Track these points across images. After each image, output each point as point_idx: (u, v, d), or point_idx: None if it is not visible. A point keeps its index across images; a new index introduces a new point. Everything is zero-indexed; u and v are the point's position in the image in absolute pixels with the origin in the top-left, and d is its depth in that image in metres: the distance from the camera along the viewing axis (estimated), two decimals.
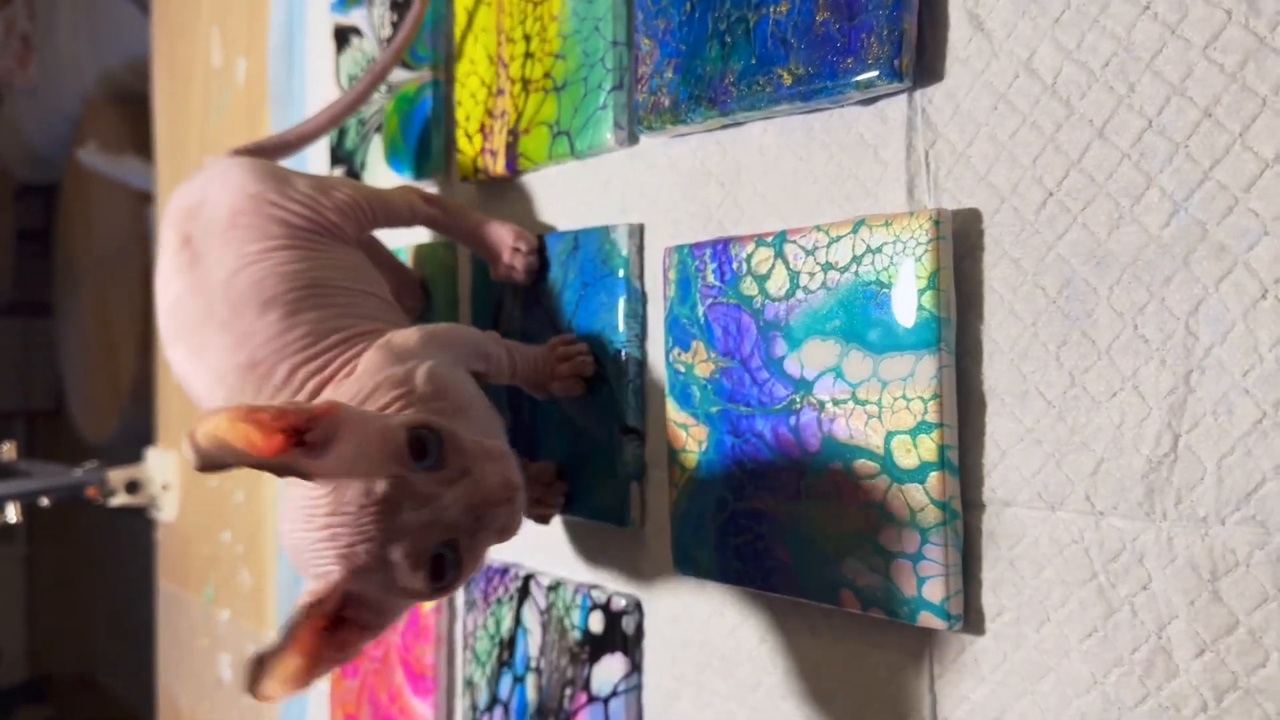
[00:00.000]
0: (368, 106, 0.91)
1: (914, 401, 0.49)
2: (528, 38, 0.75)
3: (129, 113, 2.40)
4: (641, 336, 0.67)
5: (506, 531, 0.50)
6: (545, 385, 0.69)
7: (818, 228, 0.54)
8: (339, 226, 0.67)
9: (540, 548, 0.77)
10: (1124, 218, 0.44)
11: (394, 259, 0.84)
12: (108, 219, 2.65)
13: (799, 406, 0.54)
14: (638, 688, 0.68)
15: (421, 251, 0.87)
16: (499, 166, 0.77)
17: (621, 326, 0.67)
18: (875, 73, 0.51)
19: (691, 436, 0.61)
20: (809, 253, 0.54)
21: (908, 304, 0.49)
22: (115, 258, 2.59)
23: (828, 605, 0.54)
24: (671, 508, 0.63)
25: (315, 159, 1.02)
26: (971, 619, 0.50)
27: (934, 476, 0.49)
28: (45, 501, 1.69)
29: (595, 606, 0.69)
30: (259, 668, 0.45)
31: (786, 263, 0.55)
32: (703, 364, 0.60)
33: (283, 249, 0.63)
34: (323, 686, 1.06)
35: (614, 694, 0.68)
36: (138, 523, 1.90)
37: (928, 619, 0.49)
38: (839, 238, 0.53)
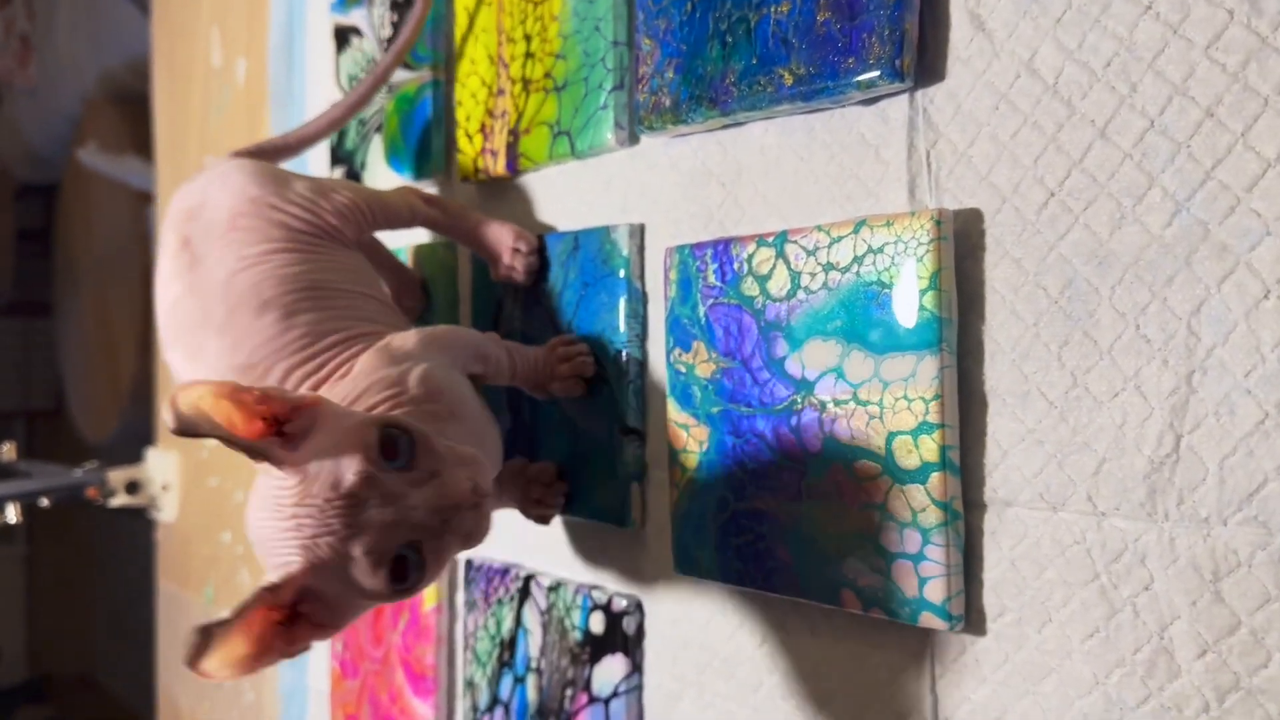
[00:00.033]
0: (368, 106, 0.91)
1: (915, 402, 0.49)
2: (528, 38, 0.74)
3: (129, 113, 2.40)
4: (642, 337, 0.67)
5: (472, 537, 0.50)
6: (545, 386, 0.69)
7: (819, 228, 0.54)
8: (338, 229, 0.67)
9: (541, 548, 0.77)
10: (1126, 218, 0.44)
11: (394, 259, 0.84)
12: (108, 219, 2.65)
13: (800, 407, 0.54)
14: (638, 688, 0.68)
15: (421, 252, 0.87)
16: (499, 166, 0.77)
17: (622, 327, 0.67)
18: (876, 73, 0.51)
19: (692, 437, 0.61)
20: (810, 253, 0.54)
21: (909, 304, 0.49)
22: (115, 258, 2.59)
23: (829, 606, 0.54)
24: (672, 508, 0.63)
25: (316, 159, 1.02)
26: (973, 619, 0.50)
27: (935, 477, 0.49)
28: (45, 502, 1.68)
29: (596, 607, 0.69)
30: (204, 641, 0.44)
31: (788, 263, 0.55)
32: (704, 364, 0.60)
33: (282, 251, 0.63)
34: (323, 687, 1.06)
35: (615, 694, 0.68)
36: (138, 523, 1.90)
37: (929, 619, 0.49)
38: (840, 238, 0.52)
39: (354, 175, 0.95)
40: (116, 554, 3.02)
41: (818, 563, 0.54)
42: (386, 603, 0.50)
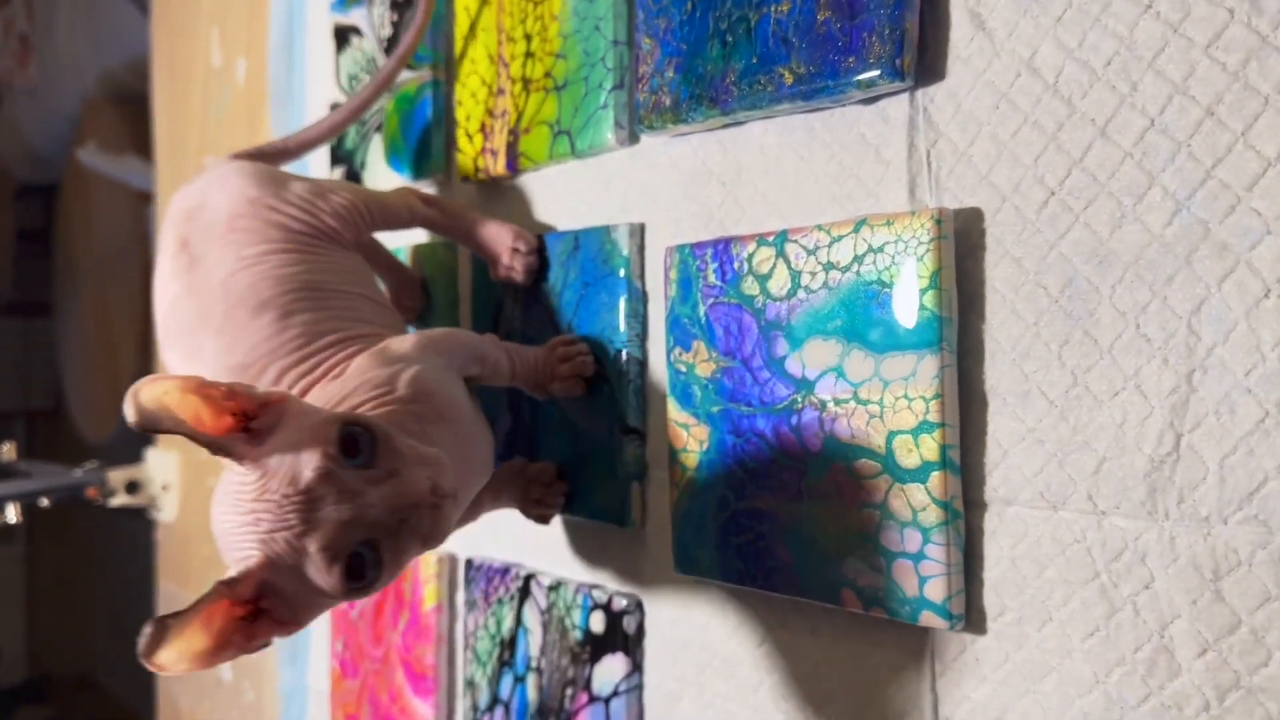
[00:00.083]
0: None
1: (916, 401, 0.49)
2: (528, 37, 0.74)
3: (129, 113, 2.40)
4: (642, 336, 0.67)
5: (431, 539, 0.49)
6: (545, 386, 0.69)
7: (819, 227, 0.54)
8: (337, 230, 0.67)
9: (541, 548, 0.77)
10: (1126, 217, 0.44)
11: (394, 259, 0.84)
12: (108, 219, 2.65)
13: (800, 406, 0.54)
14: (639, 688, 0.68)
15: (421, 252, 0.87)
16: (499, 166, 0.77)
17: (622, 326, 0.67)
18: (877, 72, 0.51)
19: (693, 436, 0.61)
20: (810, 252, 0.54)
21: (909, 303, 0.49)
22: (115, 258, 2.59)
23: (829, 605, 0.54)
24: (672, 507, 0.63)
25: (316, 160, 1.02)
26: (973, 618, 0.50)
27: (936, 476, 0.48)
28: (45, 502, 1.69)
29: (596, 606, 0.69)
30: (159, 632, 0.43)
31: (788, 262, 0.55)
32: (704, 364, 0.60)
33: (279, 252, 0.63)
34: (323, 686, 1.06)
35: (615, 694, 0.68)
36: (138, 523, 1.90)
37: (929, 618, 0.49)
38: (840, 237, 0.52)
39: (354, 175, 0.95)
40: (116, 554, 3.02)
41: (818, 562, 0.54)
42: (343, 601, 0.49)
